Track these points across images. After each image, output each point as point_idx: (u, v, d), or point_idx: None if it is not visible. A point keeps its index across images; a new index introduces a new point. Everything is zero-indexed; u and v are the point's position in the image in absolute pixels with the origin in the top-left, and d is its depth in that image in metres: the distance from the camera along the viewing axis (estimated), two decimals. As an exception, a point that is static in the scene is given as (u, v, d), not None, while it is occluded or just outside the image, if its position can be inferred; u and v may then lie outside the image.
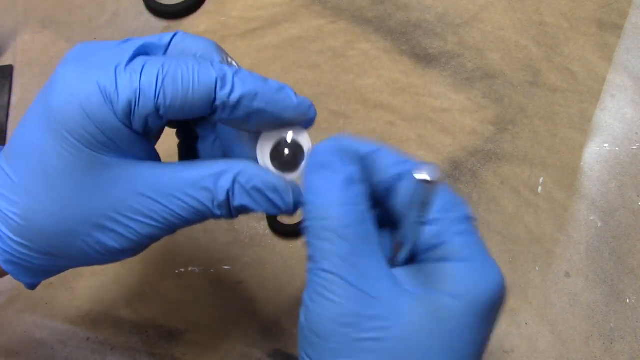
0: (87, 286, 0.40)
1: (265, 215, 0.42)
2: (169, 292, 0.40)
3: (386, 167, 0.25)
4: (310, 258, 0.23)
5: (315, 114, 0.27)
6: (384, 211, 0.26)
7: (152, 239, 0.26)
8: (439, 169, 0.19)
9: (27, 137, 0.25)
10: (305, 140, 0.27)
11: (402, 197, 0.24)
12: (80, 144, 0.24)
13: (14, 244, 0.25)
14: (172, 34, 0.27)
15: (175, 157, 0.30)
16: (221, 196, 0.25)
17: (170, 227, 0.26)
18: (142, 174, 0.25)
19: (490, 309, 0.23)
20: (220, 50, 0.27)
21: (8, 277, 0.28)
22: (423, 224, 0.23)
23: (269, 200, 0.26)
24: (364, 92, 0.48)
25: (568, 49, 0.50)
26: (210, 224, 0.42)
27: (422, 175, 0.19)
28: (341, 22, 0.52)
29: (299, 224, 0.41)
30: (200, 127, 0.29)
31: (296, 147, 0.27)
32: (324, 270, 0.22)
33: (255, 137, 0.27)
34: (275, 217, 0.42)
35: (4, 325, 0.39)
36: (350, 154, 0.24)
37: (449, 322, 0.22)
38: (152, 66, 0.24)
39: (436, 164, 0.19)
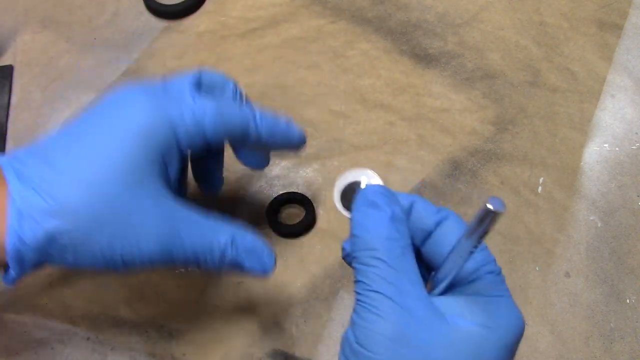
0: (87, 286, 0.40)
1: (265, 215, 0.42)
2: (169, 292, 0.40)
3: (426, 216, 0.29)
4: (358, 283, 0.26)
5: (305, 140, 0.35)
6: (417, 254, 0.29)
7: (155, 264, 0.30)
8: (504, 202, 0.22)
9: (91, 146, 0.28)
10: (374, 181, 0.32)
11: (442, 235, 0.28)
12: (145, 159, 0.29)
13: (40, 235, 0.27)
14: (198, 72, 0.33)
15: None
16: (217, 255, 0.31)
17: (172, 260, 0.30)
18: (170, 204, 0.30)
19: (514, 343, 0.26)
20: (231, 80, 0.35)
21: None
22: (472, 253, 0.25)
23: (258, 260, 0.32)
24: (364, 92, 0.48)
25: (568, 49, 0.50)
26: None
27: (492, 206, 0.22)
28: (341, 22, 0.52)
29: (299, 224, 0.41)
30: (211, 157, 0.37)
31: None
32: (374, 291, 0.25)
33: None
34: (276, 217, 0.42)
35: (4, 325, 0.39)
36: (393, 197, 0.28)
37: (482, 349, 0.25)
38: (208, 106, 0.31)
39: (502, 199, 0.23)
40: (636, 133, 0.46)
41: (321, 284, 0.40)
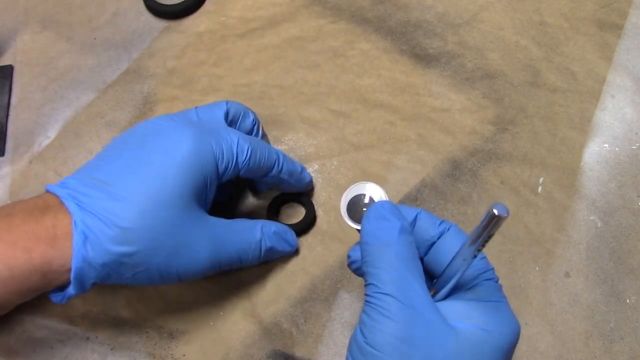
0: (87, 286, 0.40)
1: (266, 215, 0.42)
2: (169, 292, 0.40)
3: (429, 228, 0.31)
4: (369, 285, 0.28)
5: (312, 186, 0.43)
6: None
7: (207, 273, 0.35)
8: (507, 208, 0.23)
9: (143, 175, 0.32)
10: (379, 197, 0.34)
11: (444, 245, 0.30)
12: (191, 186, 0.32)
13: (105, 256, 0.30)
14: (225, 104, 0.38)
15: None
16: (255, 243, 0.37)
17: (223, 265, 0.35)
18: (211, 222, 0.34)
19: (510, 347, 0.27)
20: (251, 111, 0.40)
21: None
22: (475, 257, 0.26)
23: (284, 239, 0.39)
24: (364, 92, 0.48)
25: (568, 49, 0.50)
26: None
27: (497, 211, 0.23)
28: (341, 22, 0.52)
29: (299, 223, 0.41)
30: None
31: (371, 202, 0.34)
32: (383, 293, 0.26)
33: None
34: (276, 216, 0.42)
35: (3, 325, 0.39)
36: (401, 213, 0.30)
37: (481, 351, 0.26)
38: (244, 143, 0.35)
39: (505, 204, 0.24)
40: (636, 133, 0.46)
41: (321, 284, 0.40)
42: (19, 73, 0.50)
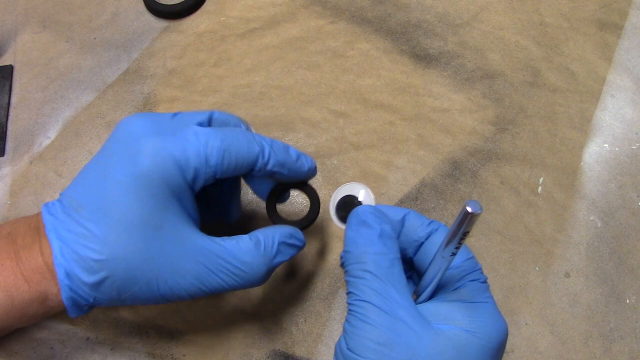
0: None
1: (265, 215, 0.41)
2: (168, 292, 0.40)
3: (417, 229, 0.31)
4: (349, 294, 0.28)
5: (315, 173, 0.35)
6: (408, 266, 0.32)
7: (198, 296, 0.31)
8: (480, 204, 0.24)
9: (109, 197, 0.29)
10: (368, 199, 0.33)
11: (432, 245, 0.30)
12: (156, 203, 0.29)
13: (86, 287, 0.29)
14: (210, 111, 0.33)
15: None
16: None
17: (214, 290, 0.31)
18: (198, 240, 0.30)
19: (497, 348, 0.27)
20: (243, 121, 0.35)
21: None
22: (454, 255, 0.27)
23: (292, 245, 0.33)
24: (364, 92, 0.48)
25: (568, 49, 0.50)
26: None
27: (471, 209, 0.24)
28: (341, 22, 0.52)
29: (305, 219, 0.37)
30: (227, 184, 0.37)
31: (359, 203, 0.33)
32: (363, 300, 0.27)
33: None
34: (276, 211, 0.37)
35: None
36: (383, 216, 0.30)
37: (465, 352, 0.26)
38: (214, 140, 0.30)
39: (478, 201, 0.25)
40: (636, 133, 0.46)
41: (321, 284, 0.40)
42: (19, 73, 0.50)
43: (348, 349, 0.27)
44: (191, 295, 0.30)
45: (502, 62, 0.49)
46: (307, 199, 0.38)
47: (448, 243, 0.26)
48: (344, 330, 0.28)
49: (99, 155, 0.31)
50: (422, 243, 0.31)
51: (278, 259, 0.32)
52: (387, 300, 0.27)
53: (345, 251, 0.30)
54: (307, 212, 0.37)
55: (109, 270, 0.29)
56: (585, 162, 0.45)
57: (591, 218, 0.43)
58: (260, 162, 0.32)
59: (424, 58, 0.50)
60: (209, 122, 0.33)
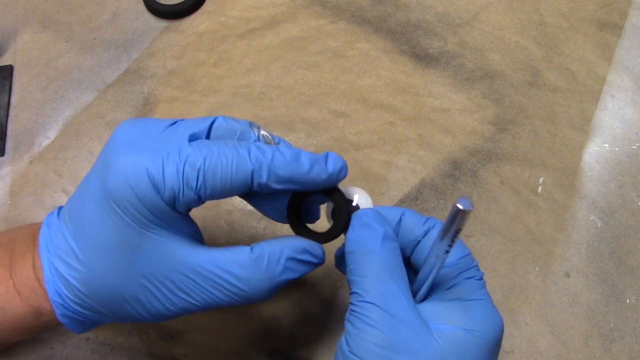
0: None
1: (287, 214, 0.33)
2: (168, 292, 0.40)
3: (414, 227, 0.31)
4: (353, 294, 0.28)
5: (346, 174, 0.30)
6: (406, 265, 0.31)
7: (189, 311, 0.29)
8: (472, 202, 0.24)
9: (86, 213, 0.28)
10: (366, 203, 0.31)
11: (428, 243, 0.30)
12: (132, 222, 0.27)
13: (72, 304, 0.28)
14: (213, 118, 0.30)
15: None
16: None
17: (206, 306, 0.28)
18: (187, 254, 0.28)
19: (495, 344, 0.27)
20: (255, 126, 0.31)
21: None
22: (448, 252, 0.27)
23: (304, 262, 0.29)
24: (364, 92, 0.48)
25: (568, 49, 0.50)
26: (209, 222, 0.42)
27: (462, 206, 0.24)
28: (341, 22, 0.52)
29: (328, 233, 0.31)
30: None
31: (357, 208, 0.31)
32: (367, 302, 0.26)
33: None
34: (299, 219, 0.31)
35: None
36: (384, 219, 0.30)
37: (464, 351, 0.26)
38: (195, 159, 0.27)
39: (469, 198, 0.24)
40: (636, 133, 0.46)
41: (321, 284, 0.40)
42: (19, 73, 0.50)
43: (350, 351, 0.26)
44: (188, 311, 0.28)
45: (502, 62, 0.49)
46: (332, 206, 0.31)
47: (440, 240, 0.26)
48: (346, 330, 0.27)
49: (94, 163, 0.30)
50: (419, 241, 0.31)
51: (285, 277, 0.29)
52: (390, 302, 0.27)
53: (347, 252, 0.29)
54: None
55: (89, 289, 0.28)
56: (585, 162, 0.45)
57: (591, 218, 0.43)
58: (256, 182, 0.27)
59: (424, 58, 0.50)
60: (208, 132, 0.29)
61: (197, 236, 0.30)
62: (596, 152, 0.45)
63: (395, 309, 0.26)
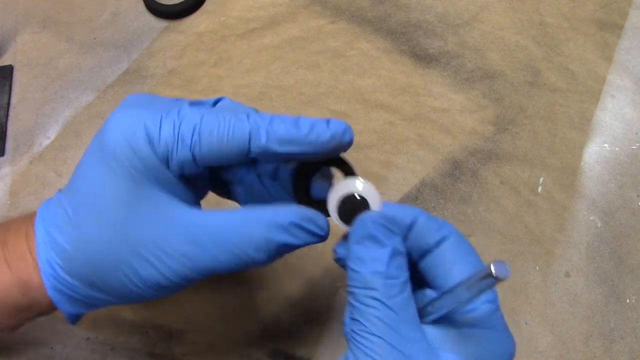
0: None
1: (292, 188, 0.32)
2: (168, 292, 0.40)
3: (424, 235, 0.28)
4: (355, 321, 0.25)
5: (351, 138, 0.27)
6: (414, 268, 0.29)
7: (189, 280, 0.27)
8: (509, 270, 0.21)
9: (81, 171, 0.27)
10: (372, 195, 0.28)
11: (442, 256, 0.27)
12: (126, 177, 0.26)
13: (62, 272, 0.27)
14: (219, 97, 0.29)
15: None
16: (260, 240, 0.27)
17: (207, 272, 0.27)
18: (186, 215, 0.26)
19: None
20: (256, 112, 0.30)
21: None
22: (469, 303, 0.25)
23: (308, 230, 0.27)
24: (364, 92, 0.48)
25: (568, 49, 0.50)
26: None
27: (495, 271, 0.22)
28: (341, 22, 0.52)
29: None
30: (239, 171, 0.31)
31: (363, 202, 0.28)
32: (372, 334, 0.25)
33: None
34: (306, 191, 0.31)
35: (3, 325, 0.39)
36: (393, 223, 0.27)
37: None
38: (192, 117, 0.26)
39: (506, 263, 0.22)
40: (636, 133, 0.46)
41: (321, 283, 0.40)
42: (19, 73, 0.50)
43: None
44: (186, 280, 0.27)
45: (502, 62, 0.49)
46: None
47: (465, 289, 0.24)
48: None
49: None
50: (432, 249, 0.28)
51: (286, 239, 0.27)
52: (399, 335, 0.24)
53: (350, 270, 0.26)
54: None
55: (80, 252, 0.26)
56: (585, 162, 0.45)
57: (591, 218, 0.43)
58: (254, 144, 0.26)
59: (424, 58, 0.50)
60: (213, 106, 0.29)
61: (188, 197, 0.28)
62: (596, 152, 0.45)
63: (403, 342, 0.24)
